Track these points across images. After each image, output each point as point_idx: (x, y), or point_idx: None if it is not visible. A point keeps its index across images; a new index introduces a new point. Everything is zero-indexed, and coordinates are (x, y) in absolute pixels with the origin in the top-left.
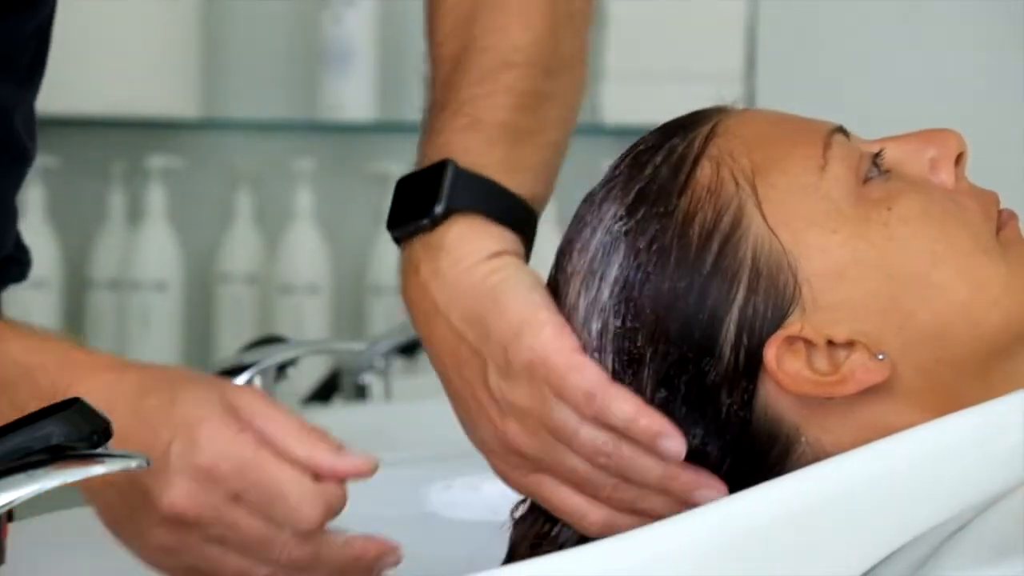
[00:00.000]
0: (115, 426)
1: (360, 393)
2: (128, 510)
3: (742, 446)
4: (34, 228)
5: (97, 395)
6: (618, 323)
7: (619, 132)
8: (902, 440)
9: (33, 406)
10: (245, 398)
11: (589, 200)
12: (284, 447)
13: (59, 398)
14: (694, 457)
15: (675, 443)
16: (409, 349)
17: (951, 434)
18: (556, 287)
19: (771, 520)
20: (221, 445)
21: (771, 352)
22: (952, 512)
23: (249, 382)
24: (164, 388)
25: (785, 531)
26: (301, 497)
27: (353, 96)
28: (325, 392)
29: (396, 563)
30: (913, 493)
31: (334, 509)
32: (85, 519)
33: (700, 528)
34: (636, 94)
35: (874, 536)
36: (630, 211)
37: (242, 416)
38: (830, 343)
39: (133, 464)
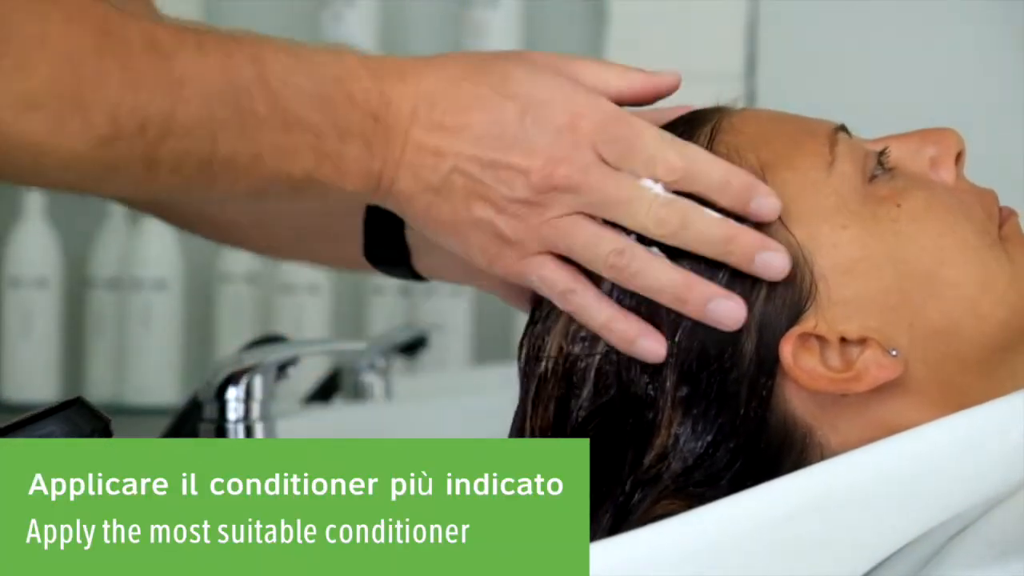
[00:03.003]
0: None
1: (360, 393)
2: (472, 190)
3: (756, 445)
4: (34, 228)
5: (425, 85)
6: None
7: None
8: (905, 440)
9: (356, 118)
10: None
11: None
12: (617, 91)
13: (375, 105)
14: (708, 456)
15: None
16: (409, 349)
17: (954, 433)
18: None
19: (773, 519)
20: (574, 103)
21: (787, 348)
22: (955, 511)
23: (249, 382)
24: (490, 68)
25: (788, 530)
26: (658, 145)
27: None
28: (325, 392)
29: None
30: (916, 492)
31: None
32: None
33: (702, 526)
34: None
35: (877, 535)
36: None
37: (572, 76)
38: (843, 340)
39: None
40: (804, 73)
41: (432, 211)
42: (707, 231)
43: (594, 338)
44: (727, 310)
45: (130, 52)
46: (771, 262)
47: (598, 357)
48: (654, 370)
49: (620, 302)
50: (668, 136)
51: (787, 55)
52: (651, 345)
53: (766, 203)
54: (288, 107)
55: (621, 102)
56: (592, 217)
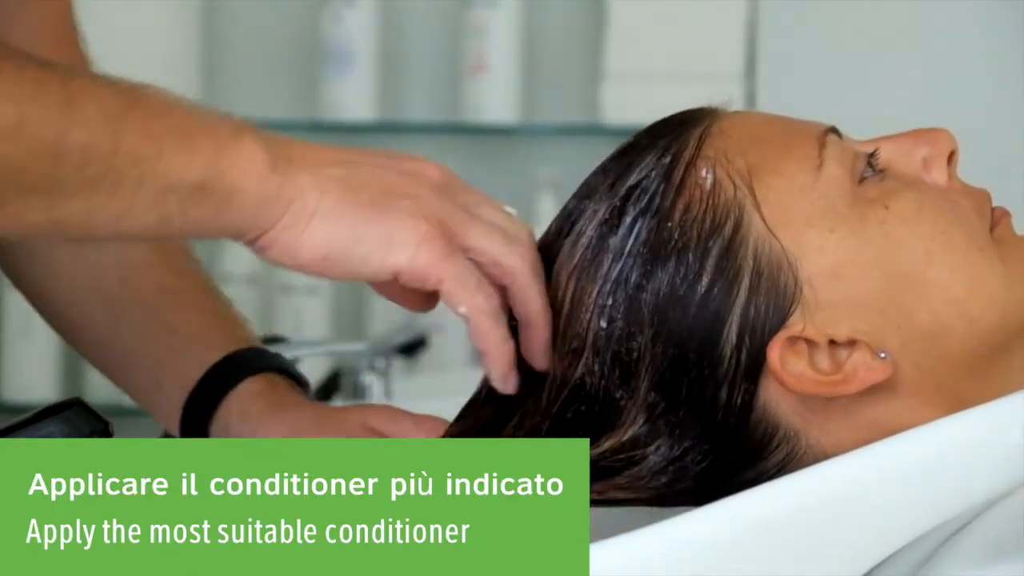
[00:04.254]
0: None
1: (360, 393)
2: (381, 179)
3: (733, 449)
4: None
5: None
6: (613, 324)
7: (619, 132)
8: (902, 441)
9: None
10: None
11: (578, 199)
12: None
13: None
14: (682, 459)
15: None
16: (409, 349)
17: (951, 435)
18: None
19: (772, 520)
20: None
21: (775, 353)
22: (953, 512)
23: None
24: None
25: (785, 531)
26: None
27: (353, 96)
28: (325, 392)
29: None
30: (914, 494)
31: None
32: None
33: (700, 528)
34: (636, 94)
35: (875, 537)
36: (622, 211)
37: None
38: (832, 343)
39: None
40: (804, 73)
41: (349, 196)
42: (487, 329)
43: (576, 352)
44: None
45: (23, 65)
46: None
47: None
48: (628, 374)
49: None
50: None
51: (787, 55)
52: (512, 382)
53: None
54: (177, 111)
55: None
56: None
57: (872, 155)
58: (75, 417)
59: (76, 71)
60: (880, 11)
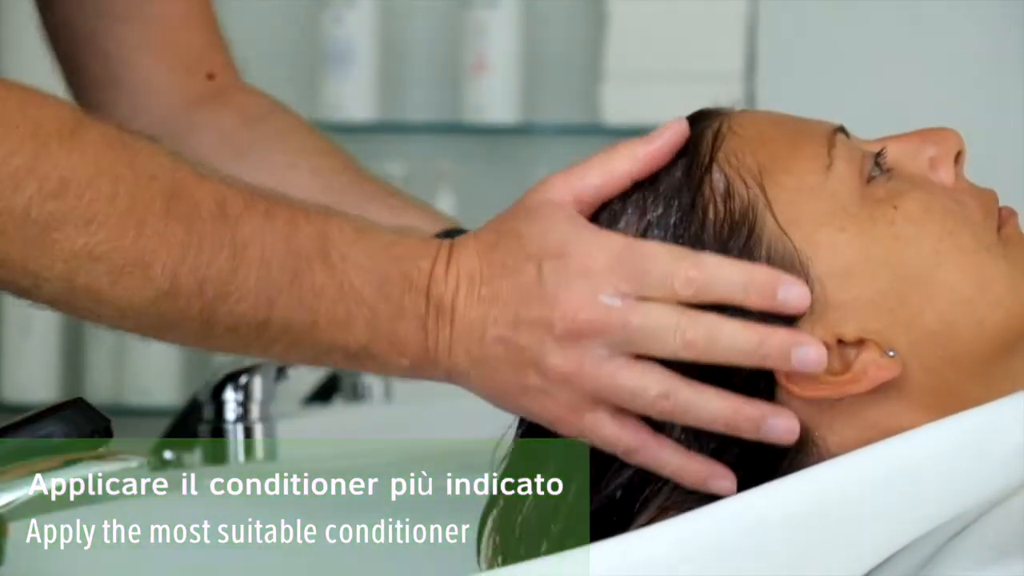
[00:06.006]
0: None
1: (360, 393)
2: (513, 357)
3: (757, 450)
4: None
5: (465, 261)
6: None
7: (619, 132)
8: (904, 441)
9: (410, 298)
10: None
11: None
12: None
13: (427, 284)
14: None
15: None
16: None
17: (952, 435)
18: None
19: (773, 520)
20: (584, 248)
21: None
22: (954, 513)
23: (249, 383)
24: (509, 230)
25: (787, 531)
26: (670, 262)
27: (353, 96)
28: (325, 392)
29: None
30: (915, 494)
31: None
32: (84, 519)
33: (702, 527)
34: (636, 94)
35: (876, 537)
36: (648, 215)
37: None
38: (840, 342)
39: (133, 464)
40: (804, 73)
41: (488, 384)
42: (735, 342)
43: None
44: (780, 428)
45: (197, 214)
46: (806, 357)
47: None
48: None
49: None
50: (679, 251)
51: (787, 55)
52: (722, 484)
53: (793, 292)
54: (345, 281)
55: (641, 179)
56: (630, 356)
57: (879, 154)
58: (75, 416)
59: (251, 201)
60: (880, 11)
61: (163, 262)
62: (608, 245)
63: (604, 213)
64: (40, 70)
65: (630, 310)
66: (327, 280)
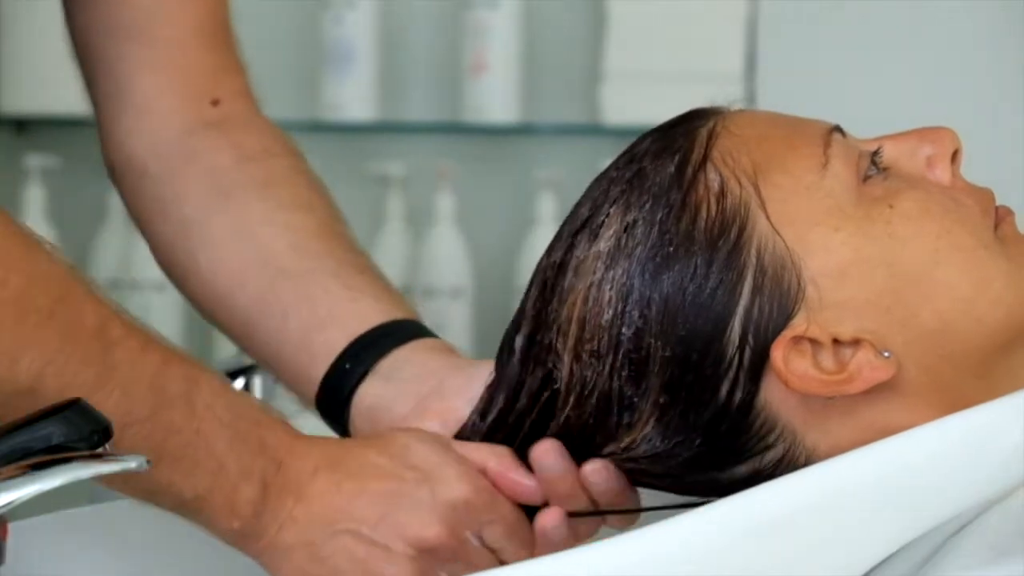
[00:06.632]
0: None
1: None
2: (363, 554)
3: (724, 445)
4: (34, 228)
5: (332, 447)
6: (623, 325)
7: (619, 132)
8: (902, 441)
9: (260, 463)
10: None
11: (590, 205)
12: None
13: (282, 453)
14: (675, 457)
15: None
16: None
17: (951, 435)
18: (554, 284)
19: (772, 520)
20: (468, 481)
21: (778, 352)
22: (953, 512)
23: (248, 382)
24: (391, 440)
25: (786, 531)
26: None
27: (353, 96)
28: None
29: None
30: (914, 494)
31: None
32: (85, 519)
33: (700, 528)
34: (636, 94)
35: (875, 537)
36: (633, 212)
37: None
38: (835, 342)
39: (132, 465)
40: (804, 73)
41: (307, 567)
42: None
43: (601, 356)
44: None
45: (79, 324)
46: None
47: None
48: (639, 376)
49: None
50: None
51: (787, 55)
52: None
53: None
54: (202, 428)
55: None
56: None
57: (876, 153)
58: (75, 417)
59: (131, 331)
60: (880, 11)
61: (32, 358)
62: (486, 488)
63: (590, 208)
64: (40, 68)
65: (479, 552)
66: (184, 423)
